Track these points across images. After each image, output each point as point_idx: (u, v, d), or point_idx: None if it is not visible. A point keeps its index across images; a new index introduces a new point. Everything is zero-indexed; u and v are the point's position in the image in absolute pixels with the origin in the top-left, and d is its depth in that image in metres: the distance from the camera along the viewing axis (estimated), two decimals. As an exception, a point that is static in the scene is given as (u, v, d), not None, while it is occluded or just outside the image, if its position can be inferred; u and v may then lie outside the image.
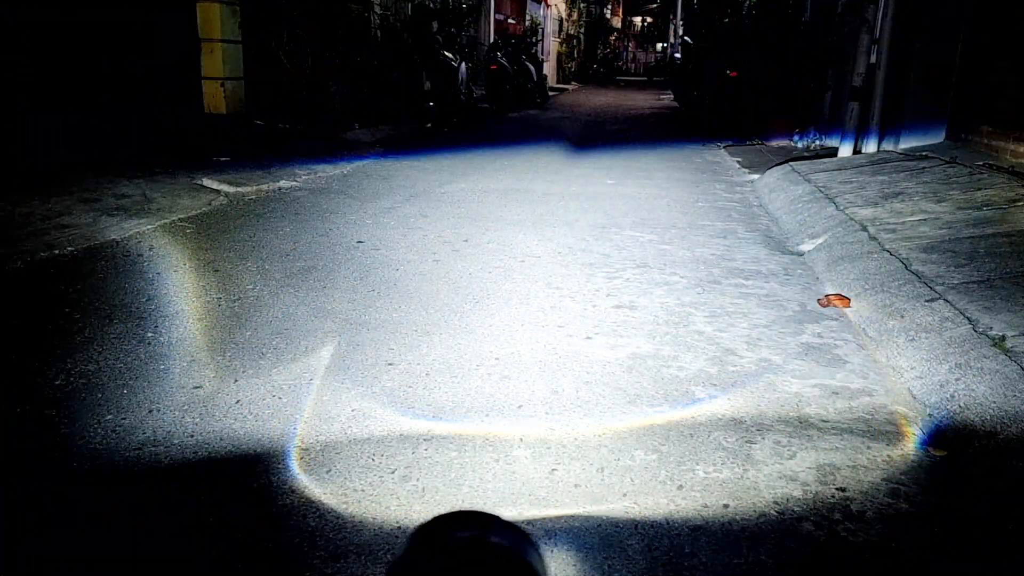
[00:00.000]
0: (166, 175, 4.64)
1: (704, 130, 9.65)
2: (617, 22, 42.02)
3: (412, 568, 0.32)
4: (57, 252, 3.13)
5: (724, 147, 8.15)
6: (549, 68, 21.30)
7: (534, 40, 17.07)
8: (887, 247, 3.19)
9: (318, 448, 1.70)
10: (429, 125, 9.28)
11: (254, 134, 6.78)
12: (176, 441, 1.72)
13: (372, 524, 1.44)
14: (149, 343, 2.26)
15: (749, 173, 6.23)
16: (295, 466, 1.62)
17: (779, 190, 5.11)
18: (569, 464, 1.66)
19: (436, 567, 0.32)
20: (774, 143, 8.02)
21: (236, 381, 2.03)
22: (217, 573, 1.30)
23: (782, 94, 8.27)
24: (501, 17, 17.71)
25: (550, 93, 16.35)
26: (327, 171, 5.57)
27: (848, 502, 1.53)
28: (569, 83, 24.32)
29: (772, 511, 1.50)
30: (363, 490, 1.54)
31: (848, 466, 1.67)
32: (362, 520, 1.45)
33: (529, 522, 1.46)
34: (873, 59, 6.06)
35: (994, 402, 1.82)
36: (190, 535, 1.39)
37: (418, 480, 1.59)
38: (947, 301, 2.46)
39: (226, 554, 1.34)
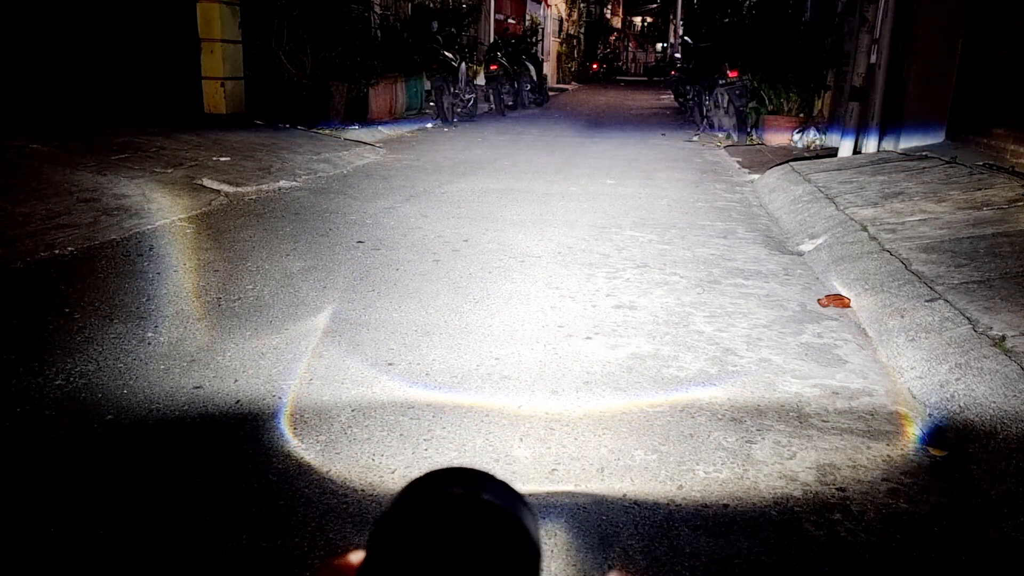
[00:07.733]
0: (166, 174, 4.64)
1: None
2: (617, 22, 42.01)
3: (399, 524, 0.32)
4: (57, 252, 3.13)
5: (724, 147, 8.15)
6: (549, 68, 21.30)
7: (534, 40, 17.05)
8: (887, 247, 3.19)
9: (318, 448, 1.70)
10: (429, 125, 9.28)
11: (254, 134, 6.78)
12: (176, 442, 1.72)
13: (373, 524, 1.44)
14: (149, 343, 2.26)
15: (749, 173, 6.23)
16: (295, 466, 1.62)
17: (779, 190, 5.11)
18: (569, 464, 1.66)
19: (425, 523, 0.31)
20: (774, 143, 8.03)
21: (236, 381, 2.03)
22: (218, 573, 1.30)
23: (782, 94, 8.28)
24: (501, 17, 17.71)
25: (550, 93, 16.34)
26: (327, 171, 5.57)
27: (848, 502, 1.53)
28: (569, 83, 24.31)
29: (772, 511, 1.50)
30: (363, 490, 1.54)
31: (848, 466, 1.67)
32: (362, 520, 1.45)
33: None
34: (873, 59, 6.06)
35: (994, 402, 1.82)
36: (190, 536, 1.39)
37: (418, 480, 1.58)
38: (947, 301, 2.46)
39: (227, 554, 1.34)
